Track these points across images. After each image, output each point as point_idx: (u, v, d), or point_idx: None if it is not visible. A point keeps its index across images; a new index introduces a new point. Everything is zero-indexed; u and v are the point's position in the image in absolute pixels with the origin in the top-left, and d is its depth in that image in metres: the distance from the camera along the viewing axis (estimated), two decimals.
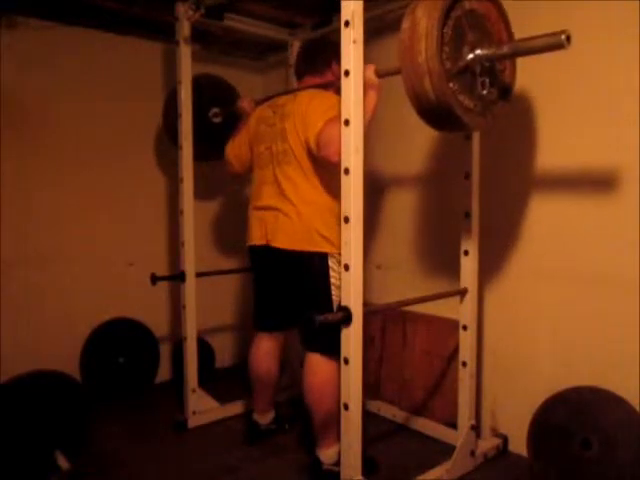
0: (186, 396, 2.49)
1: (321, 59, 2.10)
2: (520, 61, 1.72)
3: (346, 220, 1.51)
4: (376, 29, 2.54)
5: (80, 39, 2.75)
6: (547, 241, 2.09)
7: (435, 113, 1.49)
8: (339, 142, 1.55)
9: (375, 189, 2.70)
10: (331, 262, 1.93)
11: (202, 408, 2.52)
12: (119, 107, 2.90)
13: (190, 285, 2.47)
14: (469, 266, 2.04)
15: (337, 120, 1.60)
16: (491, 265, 2.24)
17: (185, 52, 2.39)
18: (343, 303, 1.54)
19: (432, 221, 2.55)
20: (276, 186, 2.01)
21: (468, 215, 2.02)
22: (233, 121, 2.45)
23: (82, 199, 2.82)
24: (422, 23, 1.41)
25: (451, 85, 1.46)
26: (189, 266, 2.47)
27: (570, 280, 2.02)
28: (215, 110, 2.68)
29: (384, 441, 2.34)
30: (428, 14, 1.42)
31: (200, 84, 2.59)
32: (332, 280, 1.93)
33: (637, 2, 1.79)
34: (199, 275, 2.53)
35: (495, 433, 2.27)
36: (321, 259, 1.93)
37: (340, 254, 1.80)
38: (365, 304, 1.57)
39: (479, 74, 1.54)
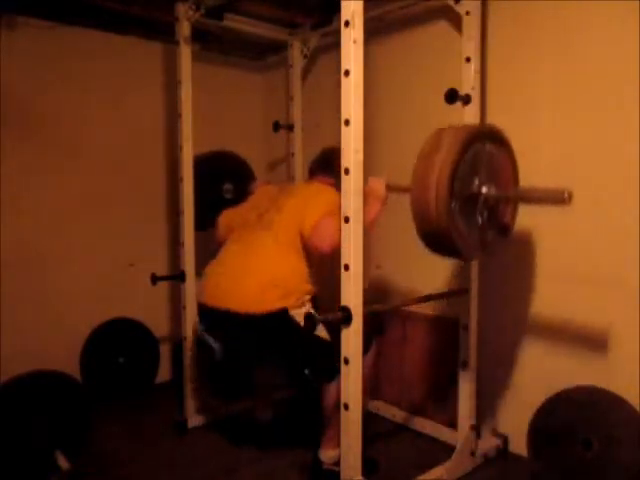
0: (186, 396, 2.49)
1: (335, 165, 2.11)
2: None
3: (346, 220, 1.51)
4: (376, 29, 2.54)
5: (80, 39, 2.74)
6: (547, 241, 2.09)
7: (436, 240, 1.53)
8: (333, 236, 1.61)
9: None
10: (293, 312, 1.89)
11: (202, 408, 2.52)
12: (119, 107, 2.90)
13: (190, 285, 2.47)
14: (469, 266, 2.04)
15: (335, 215, 1.64)
16: (491, 265, 2.23)
17: (185, 52, 2.40)
18: (343, 303, 1.54)
19: None
20: (249, 247, 2.01)
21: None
22: (243, 198, 2.48)
23: (82, 199, 2.82)
24: (441, 154, 1.44)
25: (455, 215, 1.48)
26: (189, 266, 2.47)
27: (570, 280, 2.01)
28: (228, 186, 2.73)
29: (384, 441, 2.34)
30: (448, 147, 1.45)
31: (217, 161, 2.70)
32: (297, 319, 1.87)
33: (637, 2, 1.79)
34: (199, 275, 2.52)
35: (495, 433, 2.26)
36: (284, 317, 1.89)
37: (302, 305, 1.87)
38: (365, 304, 1.57)
39: (483, 211, 1.57)
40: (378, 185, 1.81)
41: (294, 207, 1.98)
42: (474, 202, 1.53)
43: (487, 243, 1.61)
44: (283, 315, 1.88)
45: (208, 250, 2.25)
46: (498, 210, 1.62)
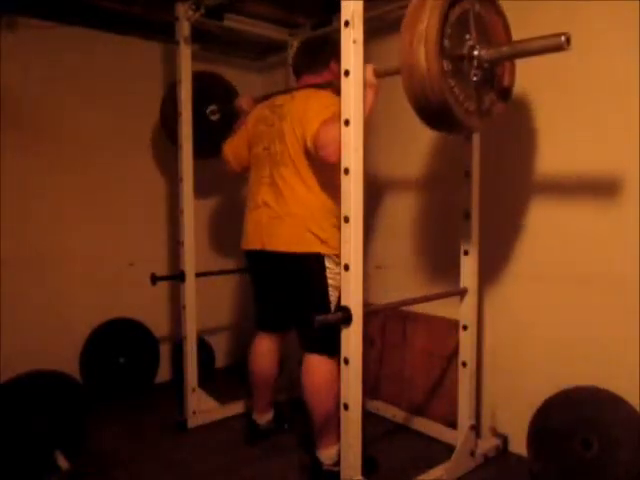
0: (186, 396, 2.49)
1: (320, 58, 2.10)
2: (520, 62, 1.73)
3: (346, 220, 1.51)
4: (376, 29, 2.54)
5: (80, 39, 2.74)
6: (547, 241, 2.09)
7: (433, 113, 1.49)
8: (336, 142, 1.55)
9: (375, 188, 2.70)
10: (327, 263, 1.93)
11: (202, 408, 2.52)
12: (119, 107, 2.90)
13: (190, 285, 2.47)
14: (469, 266, 2.04)
15: (334, 120, 1.60)
16: (491, 265, 2.24)
17: (185, 52, 2.39)
18: (343, 303, 1.54)
19: (432, 221, 2.55)
20: (272, 187, 2.01)
21: (468, 215, 2.02)
22: (231, 119, 2.44)
23: (82, 199, 2.82)
24: (423, 22, 1.41)
25: (450, 85, 1.46)
26: (189, 266, 2.47)
27: (570, 280, 2.02)
28: (213, 107, 2.68)
29: (384, 441, 2.34)
30: (429, 13, 1.41)
31: (197, 81, 2.56)
32: (329, 281, 1.93)
33: (637, 2, 1.79)
34: (199, 275, 2.53)
35: (495, 433, 2.26)
36: (317, 260, 1.93)
37: (337, 255, 1.82)
38: (365, 304, 1.57)
39: (478, 75, 1.53)
40: (367, 73, 1.72)
41: (293, 132, 1.93)
42: (467, 64, 1.49)
43: (487, 108, 1.56)
44: (318, 258, 1.93)
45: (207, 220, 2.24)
46: (494, 72, 1.57)
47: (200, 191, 2.63)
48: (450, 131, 1.84)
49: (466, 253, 2.03)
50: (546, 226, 2.09)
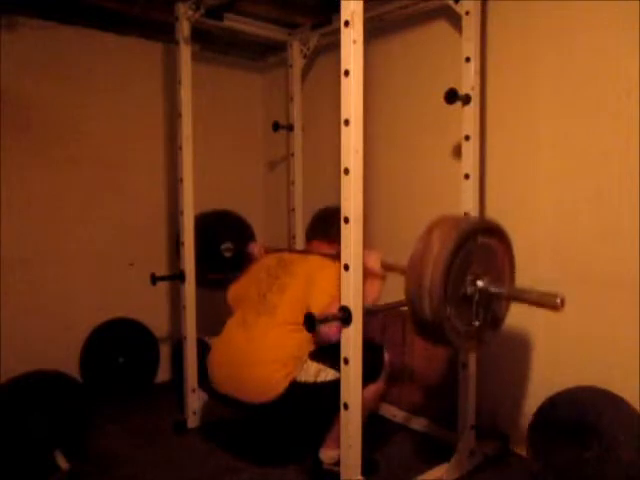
0: (186, 396, 2.49)
1: (334, 230, 2.09)
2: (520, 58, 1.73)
3: (346, 220, 1.51)
4: (376, 29, 2.54)
5: (80, 39, 2.75)
6: (547, 241, 2.09)
7: (428, 329, 1.52)
8: (339, 326, 1.56)
9: (375, 189, 2.69)
10: (303, 377, 1.92)
11: (202, 408, 2.52)
12: (119, 107, 2.90)
13: (190, 285, 2.47)
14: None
15: (337, 299, 1.61)
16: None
17: (185, 52, 2.39)
18: (343, 303, 1.54)
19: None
20: (250, 332, 2.01)
21: (468, 215, 2.01)
22: (242, 258, 2.55)
23: (82, 199, 2.82)
24: (434, 249, 1.43)
25: (448, 310, 1.47)
26: (189, 266, 2.47)
27: (570, 280, 2.01)
28: (228, 245, 2.77)
29: (384, 441, 2.34)
30: (442, 242, 1.44)
31: (217, 219, 2.75)
32: (313, 379, 1.91)
33: (637, 2, 1.79)
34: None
35: (495, 433, 2.27)
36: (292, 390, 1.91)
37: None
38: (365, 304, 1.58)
39: (478, 309, 1.55)
40: (373, 264, 1.85)
41: (296, 291, 1.97)
42: (469, 301, 1.52)
43: (480, 335, 1.61)
44: (293, 389, 1.90)
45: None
46: (492, 304, 1.61)
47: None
48: (441, 345, 1.87)
49: None
50: (546, 225, 2.09)
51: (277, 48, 3.07)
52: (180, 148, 2.43)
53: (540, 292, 1.50)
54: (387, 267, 1.84)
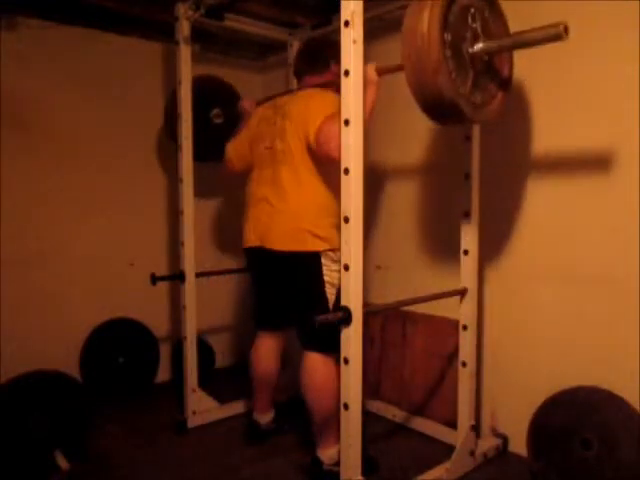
0: (186, 396, 2.48)
1: (321, 59, 2.11)
2: (519, 54, 1.74)
3: (346, 220, 1.51)
4: (376, 29, 2.54)
5: (80, 39, 2.75)
6: (547, 241, 2.09)
7: (439, 107, 1.51)
8: (338, 138, 1.55)
9: (375, 189, 2.70)
10: (324, 260, 1.93)
11: (202, 408, 2.52)
12: (119, 107, 2.90)
13: (190, 285, 2.47)
14: (469, 266, 2.04)
15: (336, 116, 1.60)
16: (491, 265, 2.24)
17: (185, 52, 2.39)
18: (343, 303, 1.54)
19: (432, 221, 2.55)
20: (273, 185, 2.02)
21: (468, 215, 2.02)
22: (235, 122, 2.45)
23: (82, 199, 2.82)
24: (425, 21, 1.43)
25: (454, 78, 1.48)
26: (189, 266, 2.46)
27: (570, 280, 2.02)
28: (217, 111, 2.69)
29: (384, 441, 2.34)
30: (430, 11, 1.43)
31: (202, 85, 2.59)
32: (326, 278, 1.93)
33: (637, 2, 1.79)
34: (199, 275, 2.52)
35: (495, 433, 2.26)
36: (312, 258, 1.93)
37: (334, 251, 1.88)
38: (365, 304, 1.57)
39: (479, 69, 1.56)
40: (368, 71, 1.76)
41: (295, 129, 1.94)
42: (469, 57, 1.53)
43: (489, 98, 1.61)
44: (313, 256, 1.93)
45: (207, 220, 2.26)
46: (494, 64, 1.63)
47: (200, 191, 2.63)
48: (455, 124, 1.85)
49: (466, 253, 2.03)
50: (547, 226, 2.09)
51: (277, 48, 3.07)
52: (180, 148, 2.43)
53: (540, 27, 1.46)
54: (383, 71, 1.78)
